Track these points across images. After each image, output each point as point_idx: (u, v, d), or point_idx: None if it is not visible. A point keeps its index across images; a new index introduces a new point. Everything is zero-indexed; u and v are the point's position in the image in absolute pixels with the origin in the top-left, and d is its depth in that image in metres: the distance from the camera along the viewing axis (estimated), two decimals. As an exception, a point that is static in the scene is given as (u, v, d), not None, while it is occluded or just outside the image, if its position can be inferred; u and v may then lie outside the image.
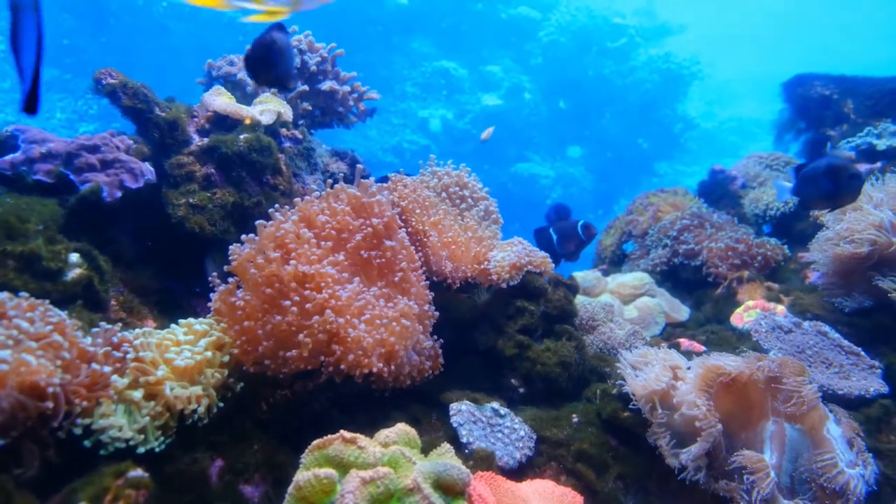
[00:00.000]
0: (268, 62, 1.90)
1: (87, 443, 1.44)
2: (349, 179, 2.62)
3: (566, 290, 2.55)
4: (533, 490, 1.67)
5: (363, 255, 2.03)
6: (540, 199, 15.05)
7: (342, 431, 1.43)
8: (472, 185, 2.65)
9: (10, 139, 2.25)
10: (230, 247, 1.94)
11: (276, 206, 2.09)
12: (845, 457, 1.80)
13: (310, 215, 2.03)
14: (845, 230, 2.59)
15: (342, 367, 1.75)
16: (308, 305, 1.76)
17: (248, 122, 2.63)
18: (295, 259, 1.85)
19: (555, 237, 3.27)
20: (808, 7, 24.73)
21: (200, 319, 1.91)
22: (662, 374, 1.94)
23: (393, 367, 1.83)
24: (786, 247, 3.51)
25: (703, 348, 2.74)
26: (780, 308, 2.92)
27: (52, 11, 12.76)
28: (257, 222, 1.96)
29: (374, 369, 1.76)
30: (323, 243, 1.96)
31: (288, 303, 1.76)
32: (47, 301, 1.59)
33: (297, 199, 2.10)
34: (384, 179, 2.58)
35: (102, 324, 1.67)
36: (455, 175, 2.64)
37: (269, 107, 2.80)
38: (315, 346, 1.74)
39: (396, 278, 2.04)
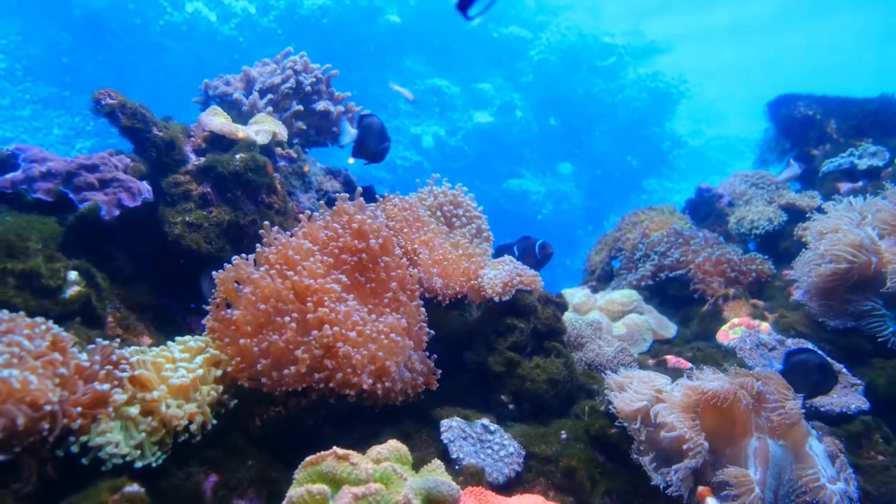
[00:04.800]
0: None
1: (84, 460, 1.47)
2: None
3: (555, 308, 2.59)
4: (522, 505, 1.70)
5: (358, 277, 2.07)
6: (531, 214, 15.16)
7: (335, 448, 1.46)
8: (467, 204, 2.69)
9: (10, 158, 2.28)
10: (213, 273, 1.97)
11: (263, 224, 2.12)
12: (827, 472, 1.85)
13: (314, 233, 2.07)
14: (826, 251, 2.64)
15: (332, 384, 1.78)
16: (309, 316, 1.79)
17: (241, 136, 2.66)
18: (297, 274, 1.88)
19: (517, 254, 3.33)
20: (793, 27, 25.12)
21: (196, 337, 1.94)
22: (646, 393, 1.98)
23: (386, 384, 1.86)
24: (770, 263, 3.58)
25: (689, 365, 2.78)
26: (765, 325, 2.98)
27: (51, 30, 12.84)
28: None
29: (366, 386, 1.79)
30: (326, 259, 2.00)
31: (287, 319, 1.79)
32: (39, 318, 1.61)
33: (302, 217, 2.15)
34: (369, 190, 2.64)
35: (99, 340, 1.69)
36: (450, 194, 2.69)
37: (264, 126, 2.84)
38: (312, 361, 1.77)
39: (386, 299, 2.08)
